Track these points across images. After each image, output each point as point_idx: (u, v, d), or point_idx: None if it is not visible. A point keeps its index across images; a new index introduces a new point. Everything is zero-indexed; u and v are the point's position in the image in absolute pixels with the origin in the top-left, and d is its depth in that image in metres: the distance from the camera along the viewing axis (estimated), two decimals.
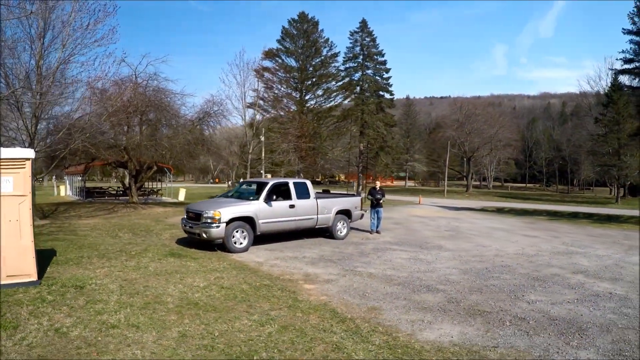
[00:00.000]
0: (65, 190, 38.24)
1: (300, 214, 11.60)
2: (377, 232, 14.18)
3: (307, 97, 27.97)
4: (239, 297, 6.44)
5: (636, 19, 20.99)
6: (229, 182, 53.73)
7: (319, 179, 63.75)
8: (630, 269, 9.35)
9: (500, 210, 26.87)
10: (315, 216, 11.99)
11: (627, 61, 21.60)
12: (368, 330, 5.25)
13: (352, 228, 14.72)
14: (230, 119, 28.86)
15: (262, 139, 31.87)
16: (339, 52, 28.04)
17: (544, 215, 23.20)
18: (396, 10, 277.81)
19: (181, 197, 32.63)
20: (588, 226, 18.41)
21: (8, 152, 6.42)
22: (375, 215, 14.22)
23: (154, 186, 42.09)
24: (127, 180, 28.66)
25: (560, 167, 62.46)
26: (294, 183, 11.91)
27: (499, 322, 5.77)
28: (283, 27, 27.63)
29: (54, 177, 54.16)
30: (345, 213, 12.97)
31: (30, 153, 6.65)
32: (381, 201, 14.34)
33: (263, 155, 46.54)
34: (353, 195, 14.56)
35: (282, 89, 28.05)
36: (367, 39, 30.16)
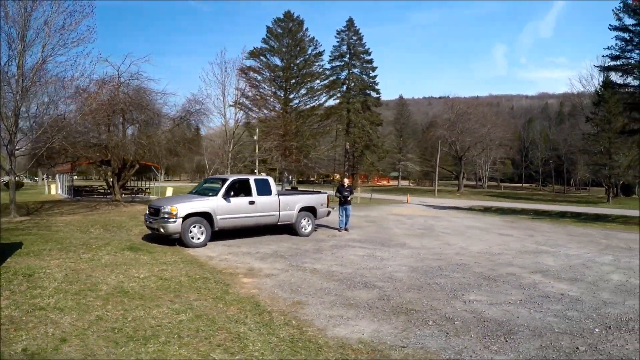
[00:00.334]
0: (56, 189, 38.27)
1: (260, 210, 11.59)
2: (346, 229, 13.98)
3: (291, 96, 27.70)
4: (172, 287, 6.57)
5: (621, 15, 20.52)
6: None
7: (314, 179, 63.53)
8: (596, 269, 8.88)
9: (487, 210, 26.44)
10: (277, 213, 11.95)
11: (613, 58, 21.09)
12: (280, 323, 5.21)
13: (322, 225, 14.88)
14: (219, 118, 28.66)
15: (256, 137, 31.66)
16: (324, 50, 28.03)
17: (530, 215, 22.73)
18: (396, 11, 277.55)
19: (168, 195, 32.43)
20: (570, 225, 17.95)
21: None
22: (344, 212, 14.05)
23: (142, 185, 42.12)
24: (112, 179, 28.62)
25: (557, 167, 61.96)
26: (255, 180, 11.90)
27: (421, 321, 5.47)
28: (267, 26, 27.51)
29: (45, 175, 54.30)
30: (310, 210, 12.90)
31: None
32: (349, 198, 14.15)
33: (257, 152, 46.30)
34: (319, 192, 14.40)
35: (267, 87, 27.87)
36: (354, 38, 29.94)
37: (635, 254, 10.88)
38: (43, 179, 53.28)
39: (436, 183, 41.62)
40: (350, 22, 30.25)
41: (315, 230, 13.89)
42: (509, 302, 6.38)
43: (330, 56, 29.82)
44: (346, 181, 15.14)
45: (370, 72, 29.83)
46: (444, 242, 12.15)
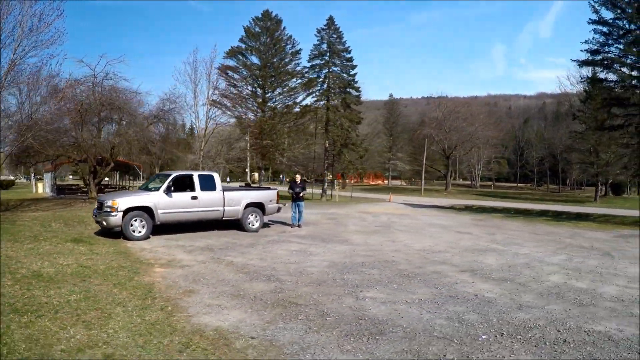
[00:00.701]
0: (43, 188, 38.43)
1: (203, 205, 11.64)
2: (298, 225, 13.85)
3: (268, 95, 27.40)
4: (85, 274, 6.84)
5: (598, 7, 19.92)
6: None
7: (306, 178, 63.22)
8: (538, 269, 8.21)
9: (468, 208, 25.81)
10: (221, 208, 11.97)
11: (592, 52, 20.43)
12: (156, 308, 5.34)
13: (278, 222, 14.79)
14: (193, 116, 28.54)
15: (248, 138, 31.37)
16: (302, 49, 27.70)
17: (508, 213, 22.16)
18: (396, 11, 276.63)
19: None
20: (541, 224, 17.27)
21: None
22: (297, 208, 13.96)
23: (125, 184, 42.04)
24: (88, 177, 28.71)
25: (552, 166, 61.12)
26: (199, 175, 11.96)
27: (293, 315, 5.21)
28: (245, 26, 27.19)
29: (32, 174, 54.37)
30: (258, 206, 12.82)
31: None
32: (301, 195, 14.05)
33: (248, 153, 45.95)
34: (268, 189, 14.38)
35: (244, 86, 27.62)
36: (334, 36, 29.57)
37: (595, 253, 10.31)
38: (31, 179, 53.44)
39: (422, 182, 41.10)
40: (331, 20, 29.94)
41: (268, 227, 13.82)
42: (407, 301, 5.92)
43: (310, 54, 29.59)
44: (298, 177, 15.01)
45: (350, 70, 29.48)
46: (390, 239, 11.70)
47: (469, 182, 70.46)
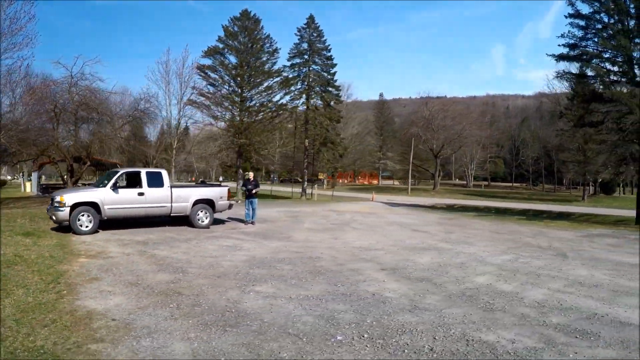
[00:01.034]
0: (30, 187, 38.35)
1: (150, 201, 11.78)
2: (252, 222, 13.64)
3: (246, 95, 26.94)
4: (14, 261, 7.17)
5: (574, 0, 19.23)
6: (197, 179, 53.45)
7: (298, 178, 62.86)
8: (470, 269, 7.57)
9: (449, 207, 25.24)
10: (169, 204, 12.04)
11: (569, 46, 19.70)
12: (53, 291, 5.59)
13: (235, 219, 14.52)
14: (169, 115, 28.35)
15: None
16: (280, 48, 27.35)
17: (485, 212, 21.53)
18: (395, 11, 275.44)
19: None
20: (512, 223, 16.55)
21: None
22: (250, 206, 13.84)
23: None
24: (66, 175, 28.71)
25: (548, 166, 60.19)
26: (147, 172, 12.15)
27: (166, 303, 5.27)
28: (223, 25, 26.74)
29: (20, 174, 54.19)
30: (208, 203, 12.82)
31: None
32: (253, 192, 13.88)
33: (239, 153, 45.45)
34: (219, 185, 14.48)
35: (222, 85, 27.12)
36: (314, 35, 29.14)
37: (549, 253, 9.68)
38: (22, 178, 53.26)
39: (409, 181, 40.41)
40: (311, 19, 29.48)
41: (223, 223, 13.72)
42: (292, 296, 5.66)
43: (289, 53, 29.12)
44: (251, 174, 14.89)
45: (330, 68, 29.00)
46: (335, 237, 11.29)
47: (465, 182, 69.68)
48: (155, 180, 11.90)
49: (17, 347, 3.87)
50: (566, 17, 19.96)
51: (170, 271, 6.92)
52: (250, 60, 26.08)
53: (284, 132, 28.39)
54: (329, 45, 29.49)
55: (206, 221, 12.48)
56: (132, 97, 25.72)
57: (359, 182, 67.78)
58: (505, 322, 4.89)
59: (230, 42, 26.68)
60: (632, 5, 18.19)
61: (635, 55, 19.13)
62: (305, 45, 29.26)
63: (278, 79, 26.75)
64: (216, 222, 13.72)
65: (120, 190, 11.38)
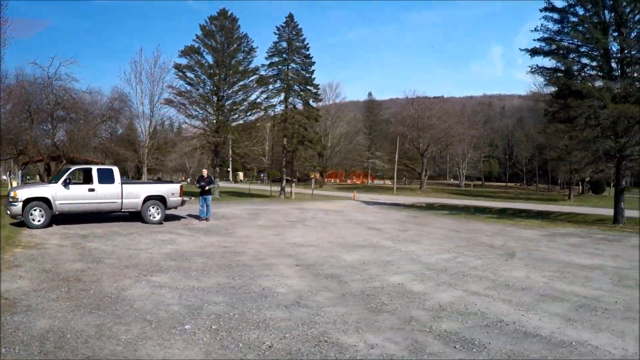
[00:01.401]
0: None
1: (101, 197, 12.02)
2: (206, 219, 13.57)
3: (223, 94, 26.48)
4: None
5: None
6: (188, 179, 53.20)
7: (289, 177, 62.39)
8: (393, 268, 7.17)
9: (429, 206, 24.73)
10: (119, 200, 12.26)
11: (545, 40, 19.03)
12: None
13: (192, 216, 14.44)
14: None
15: (230, 137, 30.40)
16: (257, 47, 27.13)
17: (460, 211, 20.98)
18: (394, 11, 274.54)
19: None
20: (479, 222, 15.99)
21: None
22: (204, 202, 13.74)
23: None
24: (43, 174, 28.67)
25: (543, 165, 59.41)
26: (98, 169, 12.45)
27: (57, 287, 5.51)
28: (201, 25, 26.41)
29: (8, 173, 53.89)
30: (159, 199, 12.88)
31: None
32: (207, 188, 13.78)
33: (230, 153, 44.89)
34: (171, 182, 14.84)
35: (199, 84, 26.66)
36: (293, 33, 28.73)
37: (497, 252, 9.24)
38: (9, 177, 53.00)
39: (395, 180, 39.83)
40: (290, 17, 29.06)
41: (179, 220, 13.71)
42: (180, 287, 5.67)
43: (268, 52, 28.74)
44: (205, 172, 14.64)
45: (309, 67, 28.59)
46: (278, 233, 11.13)
47: (458, 182, 69.05)
48: (106, 177, 12.17)
49: None
50: (541, 10, 19.32)
51: (88, 261, 7.11)
52: (226, 60, 25.60)
53: (265, 132, 27.90)
54: (308, 43, 29.28)
55: (158, 217, 12.62)
56: (105, 97, 25.46)
57: (351, 181, 67.24)
58: (384, 325, 4.45)
59: (208, 41, 26.28)
60: None
61: (612, 48, 18.55)
62: (284, 44, 28.92)
63: (254, 77, 26.28)
64: (172, 218, 13.81)
65: (71, 186, 11.70)
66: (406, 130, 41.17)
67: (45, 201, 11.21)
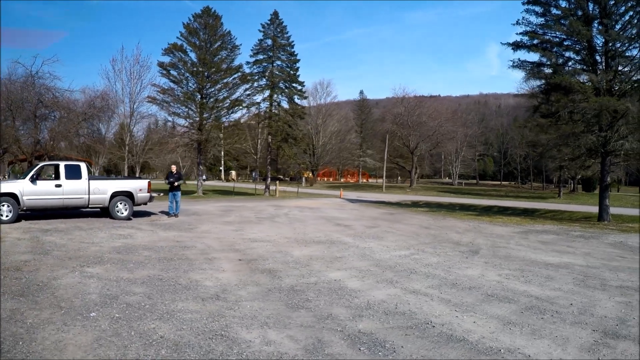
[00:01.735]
0: None
1: (67, 193, 12.05)
2: (175, 215, 13.48)
3: (205, 92, 26.09)
4: None
5: None
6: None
7: (281, 176, 62.09)
8: (341, 263, 6.93)
9: (414, 204, 24.38)
10: (86, 196, 12.29)
11: (527, 34, 18.59)
12: None
13: (164, 212, 14.35)
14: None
15: (222, 135, 29.98)
16: (241, 44, 26.97)
17: (442, 208, 20.60)
18: (392, 11, 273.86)
19: None
20: (454, 219, 15.59)
21: None
22: (173, 198, 13.64)
23: None
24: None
25: (538, 164, 59.02)
26: (65, 165, 12.41)
27: None
28: (184, 22, 26.07)
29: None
30: (127, 195, 12.92)
31: None
32: (176, 184, 13.62)
33: (223, 153, 44.39)
34: (139, 178, 14.76)
35: (183, 82, 26.28)
36: (278, 30, 28.40)
37: (461, 250, 8.94)
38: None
39: (384, 178, 39.46)
40: (275, 15, 28.73)
41: (149, 216, 13.61)
42: (108, 278, 5.67)
43: (252, 50, 28.40)
44: (174, 167, 14.52)
45: (294, 64, 28.24)
46: (239, 229, 10.95)
47: (458, 181, 68.74)
48: (73, 173, 12.20)
49: None
50: (523, 3, 18.88)
51: (37, 253, 7.17)
52: (207, 57, 25.24)
53: (257, 131, 27.58)
54: (293, 41, 29.05)
55: (125, 213, 12.63)
56: (88, 96, 25.25)
57: (345, 180, 66.85)
58: (295, 322, 4.18)
59: (191, 38, 25.97)
60: None
61: (597, 41, 18.15)
62: (269, 42, 28.60)
63: (237, 74, 25.89)
64: (142, 214, 13.70)
65: (39, 182, 11.77)
66: (396, 128, 40.81)
67: (13, 197, 11.31)
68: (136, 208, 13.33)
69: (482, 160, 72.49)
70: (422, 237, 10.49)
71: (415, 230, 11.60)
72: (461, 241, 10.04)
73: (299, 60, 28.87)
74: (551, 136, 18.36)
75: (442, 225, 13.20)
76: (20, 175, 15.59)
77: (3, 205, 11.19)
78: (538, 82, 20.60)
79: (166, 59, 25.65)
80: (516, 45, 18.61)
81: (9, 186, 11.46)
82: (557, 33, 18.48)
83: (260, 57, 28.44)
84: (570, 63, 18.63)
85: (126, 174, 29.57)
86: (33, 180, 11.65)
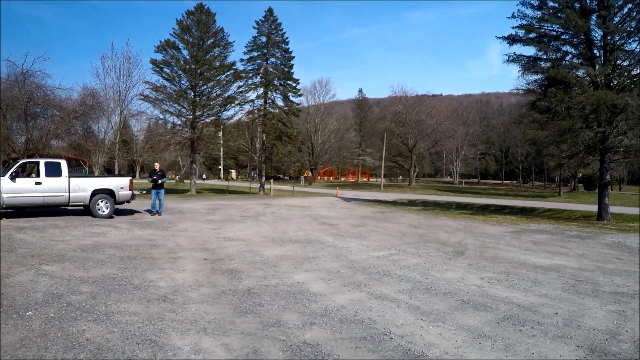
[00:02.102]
0: None
1: (47, 190, 11.90)
2: (158, 213, 13.27)
3: (198, 89, 25.79)
4: None
5: None
6: (177, 177, 52.72)
7: (279, 175, 61.71)
8: (313, 264, 6.62)
9: (410, 203, 23.96)
10: (66, 194, 12.12)
11: (523, 27, 18.08)
12: None
13: (148, 210, 14.13)
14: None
15: (221, 134, 29.71)
16: (234, 41, 26.70)
17: (436, 207, 20.17)
18: (392, 10, 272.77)
19: None
20: (446, 218, 15.19)
21: None
22: (157, 196, 13.41)
23: None
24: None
25: (539, 163, 58.32)
26: (45, 162, 12.28)
27: None
28: (177, 19, 25.84)
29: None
30: (108, 193, 12.71)
31: None
32: (159, 182, 13.41)
33: (221, 151, 44.12)
34: (121, 176, 14.63)
35: (175, 79, 25.99)
36: (272, 27, 28.07)
37: (446, 250, 8.60)
38: None
39: (382, 177, 38.97)
40: (270, 12, 28.40)
41: (132, 214, 13.42)
42: (62, 276, 5.53)
43: (247, 47, 28.05)
44: (157, 165, 14.25)
45: (288, 61, 27.89)
46: (218, 228, 10.69)
47: (459, 180, 68.15)
48: (53, 170, 12.03)
49: None
50: None
51: (4, 251, 7.00)
52: (200, 54, 24.93)
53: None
54: (287, 38, 28.75)
55: (107, 211, 12.40)
56: (80, 94, 25.11)
57: (345, 179, 66.41)
58: (237, 328, 3.85)
59: (184, 35, 25.68)
60: None
61: (595, 35, 17.63)
62: (263, 39, 28.25)
63: (230, 72, 25.54)
64: (125, 212, 13.47)
65: (18, 179, 11.58)
66: (395, 126, 40.37)
67: None
68: (122, 206, 13.04)
69: (483, 159, 71.91)
70: (408, 236, 10.08)
71: (402, 230, 11.20)
72: (448, 241, 9.61)
73: (293, 57, 28.54)
74: (548, 132, 17.83)
75: (432, 224, 12.79)
76: None
77: None
78: (534, 77, 20.18)
79: (159, 57, 25.41)
80: (512, 39, 18.09)
81: None
82: (554, 26, 17.97)
83: (255, 54, 28.13)
84: (567, 57, 18.14)
85: (116, 172, 29.40)
86: (13, 177, 11.46)
